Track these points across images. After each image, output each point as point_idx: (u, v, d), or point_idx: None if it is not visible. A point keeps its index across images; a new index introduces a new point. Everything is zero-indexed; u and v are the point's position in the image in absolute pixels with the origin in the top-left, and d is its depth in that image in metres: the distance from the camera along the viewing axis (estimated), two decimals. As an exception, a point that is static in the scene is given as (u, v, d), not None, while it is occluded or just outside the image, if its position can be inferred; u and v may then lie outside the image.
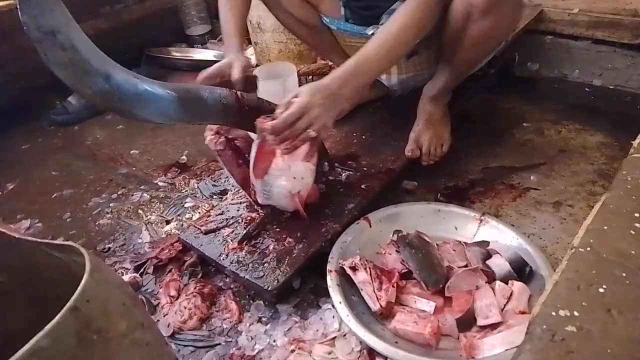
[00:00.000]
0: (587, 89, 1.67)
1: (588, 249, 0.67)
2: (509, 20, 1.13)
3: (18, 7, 0.76)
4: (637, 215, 0.71)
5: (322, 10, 1.33)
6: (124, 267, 1.15)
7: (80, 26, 0.83)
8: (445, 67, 1.28)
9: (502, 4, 1.07)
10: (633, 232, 0.68)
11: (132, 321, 0.65)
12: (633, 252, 0.66)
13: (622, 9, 1.54)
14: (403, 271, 1.01)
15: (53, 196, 1.44)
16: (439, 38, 1.21)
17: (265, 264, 1.04)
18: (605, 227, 0.70)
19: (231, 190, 1.32)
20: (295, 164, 1.04)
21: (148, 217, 1.32)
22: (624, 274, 0.63)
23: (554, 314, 0.60)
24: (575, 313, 0.60)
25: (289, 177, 1.05)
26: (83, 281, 0.59)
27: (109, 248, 1.23)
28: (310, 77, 1.85)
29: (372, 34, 1.25)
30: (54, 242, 0.69)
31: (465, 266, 1.01)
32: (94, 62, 0.84)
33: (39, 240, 0.70)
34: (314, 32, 1.38)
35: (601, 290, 0.62)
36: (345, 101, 1.02)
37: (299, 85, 1.79)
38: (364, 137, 1.42)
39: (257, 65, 2.00)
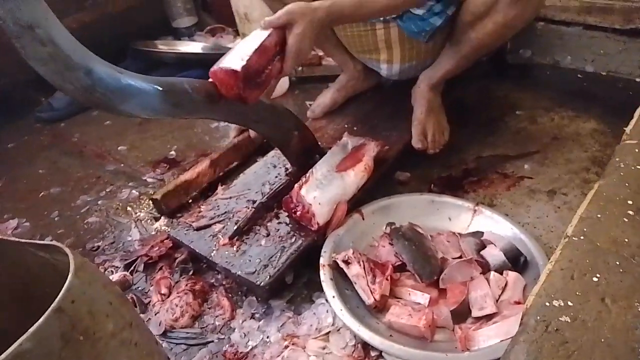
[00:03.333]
0: (579, 76, 1.66)
1: (582, 237, 0.66)
2: (533, 11, 1.12)
3: (-8, -1, 0.74)
4: (630, 202, 0.70)
5: None
6: (113, 266, 1.14)
7: (64, 19, 0.81)
8: (451, 54, 1.26)
9: None
10: (627, 220, 0.68)
11: (119, 321, 0.64)
12: (627, 240, 0.65)
13: (613, -6, 1.53)
14: (397, 264, 1.00)
15: (40, 195, 1.42)
16: (449, 24, 1.19)
17: (257, 260, 1.02)
18: (599, 215, 0.69)
19: (221, 186, 1.30)
20: (354, 173, 1.11)
21: (137, 214, 1.30)
22: (617, 262, 0.62)
23: (547, 304, 0.59)
24: (570, 303, 0.59)
25: (348, 185, 1.09)
26: (67, 282, 0.58)
27: (98, 246, 1.21)
28: (299, 67, 1.84)
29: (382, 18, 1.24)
30: (39, 242, 0.68)
31: (460, 257, 1.00)
32: (74, 56, 0.82)
33: (23, 240, 0.69)
34: None
35: (595, 279, 0.61)
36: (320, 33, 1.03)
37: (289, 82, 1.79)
38: (355, 128, 1.41)
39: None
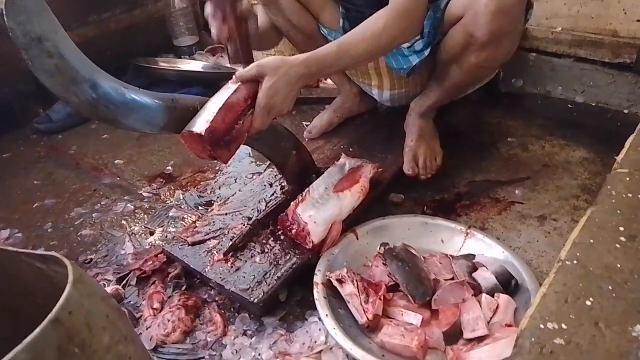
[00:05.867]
0: (570, 105, 1.70)
1: (575, 262, 0.68)
2: (506, 52, 1.15)
3: (4, 12, 0.75)
4: (622, 229, 0.72)
5: (321, 21, 1.33)
6: (106, 279, 1.13)
7: (67, 34, 0.83)
8: (436, 87, 1.30)
9: (502, 39, 1.09)
10: (618, 246, 0.69)
11: (115, 334, 0.63)
12: (619, 265, 0.66)
13: (603, 29, 1.58)
14: (390, 284, 1.01)
15: (34, 205, 1.41)
16: (433, 57, 1.23)
17: (251, 276, 1.02)
18: (592, 241, 0.71)
19: (217, 202, 1.31)
20: (350, 194, 1.12)
21: (132, 228, 1.30)
22: (610, 287, 0.64)
23: (542, 326, 0.60)
24: (564, 326, 0.60)
25: (344, 205, 1.11)
26: (65, 292, 0.58)
27: (91, 259, 1.20)
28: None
29: None
30: (36, 252, 0.68)
31: (452, 279, 1.01)
32: (81, 70, 0.83)
33: (21, 250, 0.69)
34: (311, 40, 1.38)
35: (588, 303, 0.62)
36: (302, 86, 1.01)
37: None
38: (351, 149, 1.43)
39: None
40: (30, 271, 0.70)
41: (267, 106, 0.93)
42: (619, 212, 0.75)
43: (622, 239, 0.70)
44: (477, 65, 1.16)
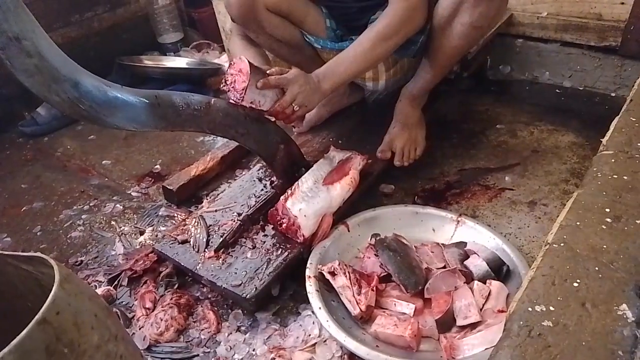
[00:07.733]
0: (557, 91, 1.71)
1: (562, 244, 0.68)
2: (496, 10, 1.16)
3: (-21, 12, 0.74)
4: (608, 210, 0.72)
5: (305, 27, 1.32)
6: (97, 280, 1.12)
7: (50, 35, 0.82)
8: (428, 64, 1.29)
9: None
10: (605, 227, 0.70)
11: (105, 333, 0.63)
12: (605, 246, 0.67)
13: (588, 13, 1.58)
14: (382, 274, 1.01)
15: (23, 209, 1.40)
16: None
17: (243, 272, 1.02)
18: (578, 223, 0.71)
19: (206, 199, 1.30)
20: (340, 186, 1.13)
21: (121, 228, 1.29)
22: (597, 268, 0.64)
23: (530, 309, 0.61)
24: (551, 308, 0.60)
25: (334, 197, 1.11)
26: (52, 293, 0.57)
27: (82, 261, 1.19)
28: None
29: None
30: (22, 254, 0.67)
31: (444, 267, 1.01)
32: (61, 68, 0.82)
33: (6, 252, 0.68)
34: (296, 50, 1.37)
35: (575, 284, 0.63)
36: (324, 94, 1.13)
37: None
38: (340, 142, 1.42)
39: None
40: (17, 274, 0.69)
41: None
42: (604, 193, 0.75)
43: (608, 220, 0.71)
44: (471, 25, 1.15)
